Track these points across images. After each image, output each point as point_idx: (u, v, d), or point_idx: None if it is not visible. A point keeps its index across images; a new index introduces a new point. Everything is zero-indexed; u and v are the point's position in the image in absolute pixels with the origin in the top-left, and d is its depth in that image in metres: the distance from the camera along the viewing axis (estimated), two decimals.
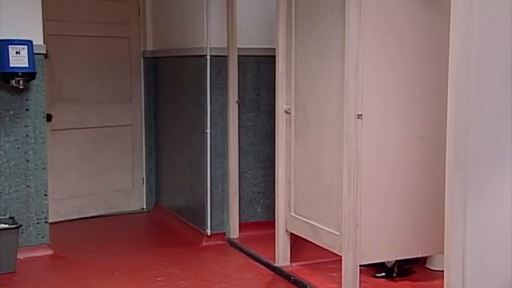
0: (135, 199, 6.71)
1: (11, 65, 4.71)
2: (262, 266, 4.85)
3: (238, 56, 5.42)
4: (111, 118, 6.44)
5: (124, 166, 6.59)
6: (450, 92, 3.13)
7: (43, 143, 5.04)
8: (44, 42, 4.98)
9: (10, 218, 4.89)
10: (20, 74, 4.76)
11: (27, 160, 4.99)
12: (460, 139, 3.11)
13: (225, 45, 5.39)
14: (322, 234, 4.25)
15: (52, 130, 5.93)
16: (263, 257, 4.92)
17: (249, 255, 5.11)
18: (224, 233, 5.55)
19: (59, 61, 6.00)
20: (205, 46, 5.36)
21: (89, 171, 6.31)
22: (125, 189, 6.60)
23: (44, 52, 5.02)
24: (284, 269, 4.63)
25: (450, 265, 3.16)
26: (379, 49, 3.92)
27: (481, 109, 3.13)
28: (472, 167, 3.12)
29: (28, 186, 5.01)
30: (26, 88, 4.89)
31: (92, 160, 6.33)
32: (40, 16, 4.94)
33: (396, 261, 4.32)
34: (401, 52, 3.99)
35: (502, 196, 3.20)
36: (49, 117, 5.76)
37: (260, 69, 5.61)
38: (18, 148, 4.96)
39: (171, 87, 6.22)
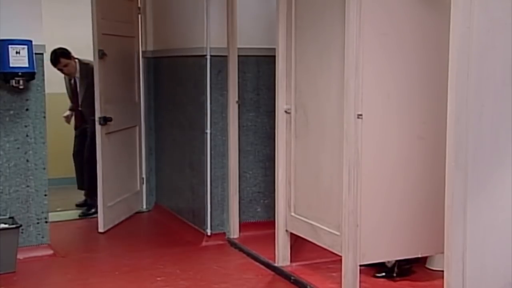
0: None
1: (11, 65, 4.71)
2: (262, 266, 4.85)
3: (238, 56, 5.42)
4: (127, 119, 6.36)
5: (135, 168, 6.58)
6: (450, 92, 3.13)
7: (43, 143, 5.04)
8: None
9: (10, 218, 4.89)
10: (20, 74, 4.76)
11: (27, 160, 4.99)
12: (460, 139, 3.11)
13: (225, 45, 5.39)
14: (322, 234, 4.25)
15: (107, 133, 5.87)
16: (263, 257, 4.92)
17: (249, 255, 5.11)
18: (224, 233, 5.55)
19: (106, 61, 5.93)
20: (205, 46, 5.36)
21: (120, 174, 6.23)
22: (136, 190, 6.60)
23: (44, 52, 5.01)
24: (284, 269, 4.63)
25: (450, 265, 3.16)
26: (379, 49, 3.92)
27: (481, 109, 3.13)
28: (472, 167, 3.12)
29: (28, 186, 5.01)
30: (26, 88, 4.89)
31: (119, 163, 6.26)
32: (40, 16, 4.93)
33: (396, 261, 4.32)
34: (401, 52, 3.99)
35: (502, 196, 3.20)
36: (107, 120, 5.76)
37: (260, 69, 5.61)
38: (18, 148, 4.96)
39: (171, 87, 6.21)
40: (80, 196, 6.63)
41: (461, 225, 3.13)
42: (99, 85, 5.71)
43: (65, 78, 6.50)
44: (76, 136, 6.66)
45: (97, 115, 5.71)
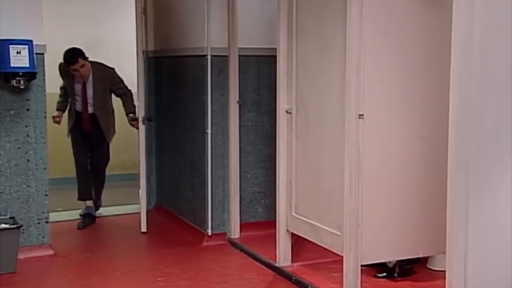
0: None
1: (11, 65, 4.71)
2: (263, 266, 4.84)
3: (239, 56, 5.42)
4: None
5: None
6: (452, 92, 3.13)
7: (44, 143, 5.03)
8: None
9: (10, 218, 4.88)
10: (20, 74, 4.76)
11: (28, 160, 4.99)
12: (462, 139, 3.10)
13: (226, 45, 5.38)
14: (323, 234, 4.25)
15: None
16: (264, 257, 4.91)
17: (250, 255, 5.10)
18: (225, 233, 5.55)
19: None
20: (206, 46, 5.36)
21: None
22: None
23: (45, 51, 4.99)
24: (285, 269, 4.63)
25: (452, 265, 3.16)
26: (380, 48, 3.91)
27: (483, 109, 3.13)
28: (473, 167, 3.12)
29: (28, 186, 5.01)
30: (26, 88, 4.89)
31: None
32: (41, 16, 4.93)
33: (397, 261, 4.32)
34: (403, 52, 3.98)
35: (504, 196, 3.19)
36: (149, 119, 5.87)
37: (260, 69, 5.61)
38: (19, 148, 4.96)
39: (172, 87, 6.21)
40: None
41: (463, 225, 3.12)
42: (143, 85, 5.76)
43: (67, 79, 6.12)
44: (78, 141, 6.20)
45: (141, 114, 5.75)
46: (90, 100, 6.09)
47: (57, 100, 6.23)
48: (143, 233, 5.77)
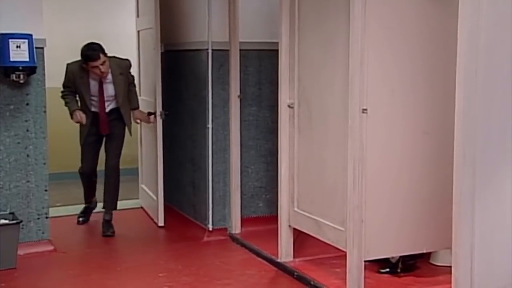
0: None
1: (11, 59, 4.67)
2: (264, 262, 4.82)
3: (240, 50, 5.39)
4: None
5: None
6: (458, 88, 3.11)
7: (44, 137, 5.00)
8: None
9: (10, 213, 4.85)
10: (20, 68, 4.72)
11: (28, 155, 4.95)
12: (468, 135, 3.09)
13: (227, 39, 5.35)
14: (326, 230, 4.22)
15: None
16: (266, 252, 4.89)
17: (251, 250, 5.08)
18: (226, 228, 5.53)
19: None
20: (206, 40, 5.33)
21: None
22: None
23: (44, 46, 4.95)
24: (287, 265, 4.61)
25: (458, 261, 3.14)
26: (384, 43, 3.89)
27: (489, 105, 3.11)
28: (480, 163, 3.10)
29: (28, 181, 4.97)
30: (26, 83, 4.85)
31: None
32: (41, 10, 4.89)
33: (400, 256, 4.30)
34: (407, 46, 3.95)
35: (510, 192, 3.17)
36: (168, 114, 5.80)
37: (262, 63, 5.58)
38: (19, 143, 4.92)
39: (172, 81, 6.18)
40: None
41: (469, 222, 3.11)
42: (160, 80, 5.75)
43: (80, 80, 5.53)
44: (89, 148, 5.74)
45: (159, 109, 5.72)
46: (108, 99, 5.60)
47: (66, 102, 5.59)
48: (160, 227, 5.78)
